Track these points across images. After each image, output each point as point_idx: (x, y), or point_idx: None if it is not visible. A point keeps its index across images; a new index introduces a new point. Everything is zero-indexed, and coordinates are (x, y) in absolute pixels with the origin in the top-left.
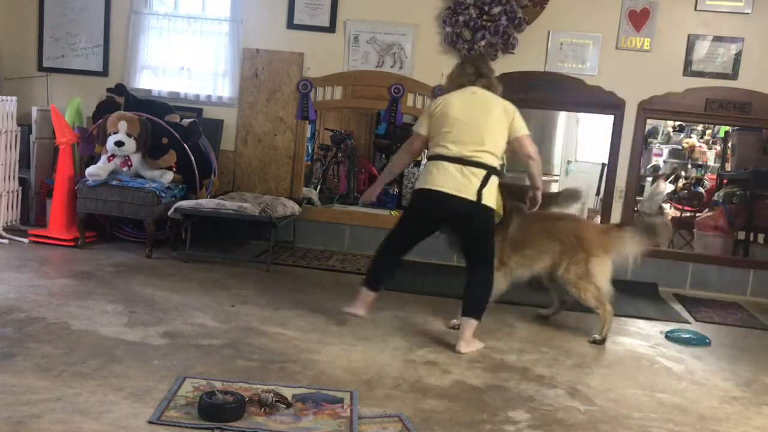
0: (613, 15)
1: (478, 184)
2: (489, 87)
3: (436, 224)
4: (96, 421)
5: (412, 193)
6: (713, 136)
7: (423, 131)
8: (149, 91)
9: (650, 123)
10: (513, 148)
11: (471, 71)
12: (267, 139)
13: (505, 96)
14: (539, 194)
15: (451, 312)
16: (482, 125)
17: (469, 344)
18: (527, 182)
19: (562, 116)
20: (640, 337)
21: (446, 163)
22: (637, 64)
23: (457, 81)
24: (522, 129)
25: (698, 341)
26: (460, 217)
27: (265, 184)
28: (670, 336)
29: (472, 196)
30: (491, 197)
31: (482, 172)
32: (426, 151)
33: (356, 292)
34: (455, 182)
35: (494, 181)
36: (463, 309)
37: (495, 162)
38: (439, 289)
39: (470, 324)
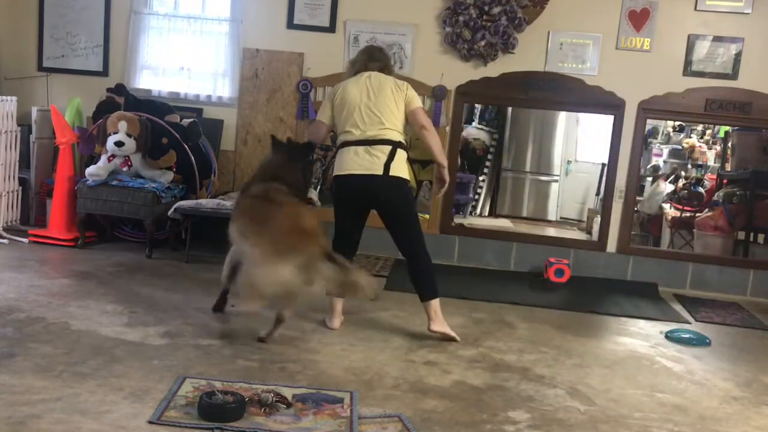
0: (613, 15)
1: (385, 159)
2: (382, 70)
3: (363, 208)
4: (96, 421)
5: (332, 183)
6: (713, 136)
7: (325, 119)
8: (149, 91)
9: (650, 123)
10: (409, 122)
11: (364, 58)
12: (267, 139)
13: (506, 96)
14: (445, 172)
15: (451, 312)
16: (379, 105)
17: (443, 323)
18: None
19: (562, 116)
20: (640, 337)
21: (353, 147)
22: (637, 64)
23: (352, 69)
24: (415, 102)
25: (698, 341)
26: (377, 195)
27: None
28: (670, 336)
29: (379, 172)
30: (399, 169)
31: (387, 148)
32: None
33: (330, 304)
34: (364, 162)
35: (401, 154)
36: (421, 295)
37: (398, 137)
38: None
39: (434, 305)
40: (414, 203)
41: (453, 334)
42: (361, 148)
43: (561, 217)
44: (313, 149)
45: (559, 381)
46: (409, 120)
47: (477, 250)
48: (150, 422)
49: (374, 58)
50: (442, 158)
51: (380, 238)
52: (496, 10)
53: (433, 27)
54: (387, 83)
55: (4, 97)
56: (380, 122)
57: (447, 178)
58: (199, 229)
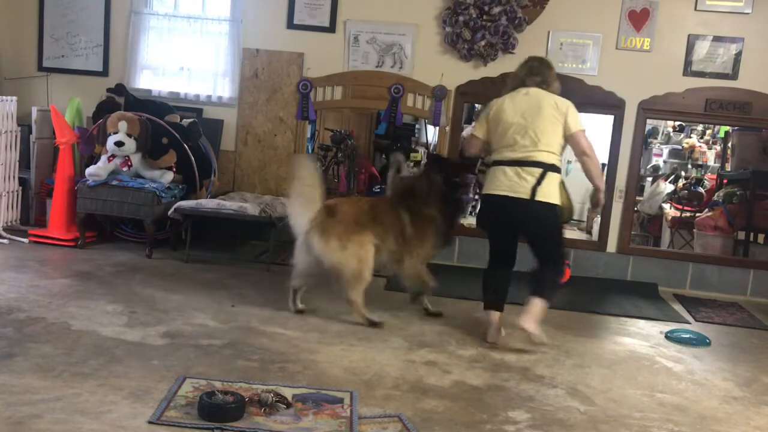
0: (613, 15)
1: (533, 182)
2: (541, 84)
3: (510, 227)
4: (96, 421)
5: (480, 199)
6: (713, 136)
7: (480, 134)
8: (149, 91)
9: (650, 123)
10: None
11: (524, 72)
12: (267, 139)
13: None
14: (602, 196)
15: (451, 311)
16: (535, 125)
17: (530, 322)
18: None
19: None
20: (640, 337)
21: (504, 167)
22: (637, 64)
23: (511, 83)
24: (575, 125)
25: (698, 341)
26: (522, 217)
27: (265, 184)
28: (670, 336)
29: (526, 195)
30: (548, 193)
31: (538, 171)
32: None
33: (487, 319)
34: (511, 184)
35: (552, 177)
36: (530, 290)
37: (552, 159)
38: (439, 290)
39: (535, 303)
40: (558, 223)
41: (536, 334)
42: (510, 169)
43: None
44: (440, 163)
45: (559, 381)
46: (569, 143)
47: (477, 250)
48: (150, 422)
49: (534, 72)
50: (600, 182)
51: None
52: (496, 10)
53: (433, 27)
54: (545, 102)
55: (4, 97)
56: (533, 143)
57: (602, 201)
58: (199, 229)
